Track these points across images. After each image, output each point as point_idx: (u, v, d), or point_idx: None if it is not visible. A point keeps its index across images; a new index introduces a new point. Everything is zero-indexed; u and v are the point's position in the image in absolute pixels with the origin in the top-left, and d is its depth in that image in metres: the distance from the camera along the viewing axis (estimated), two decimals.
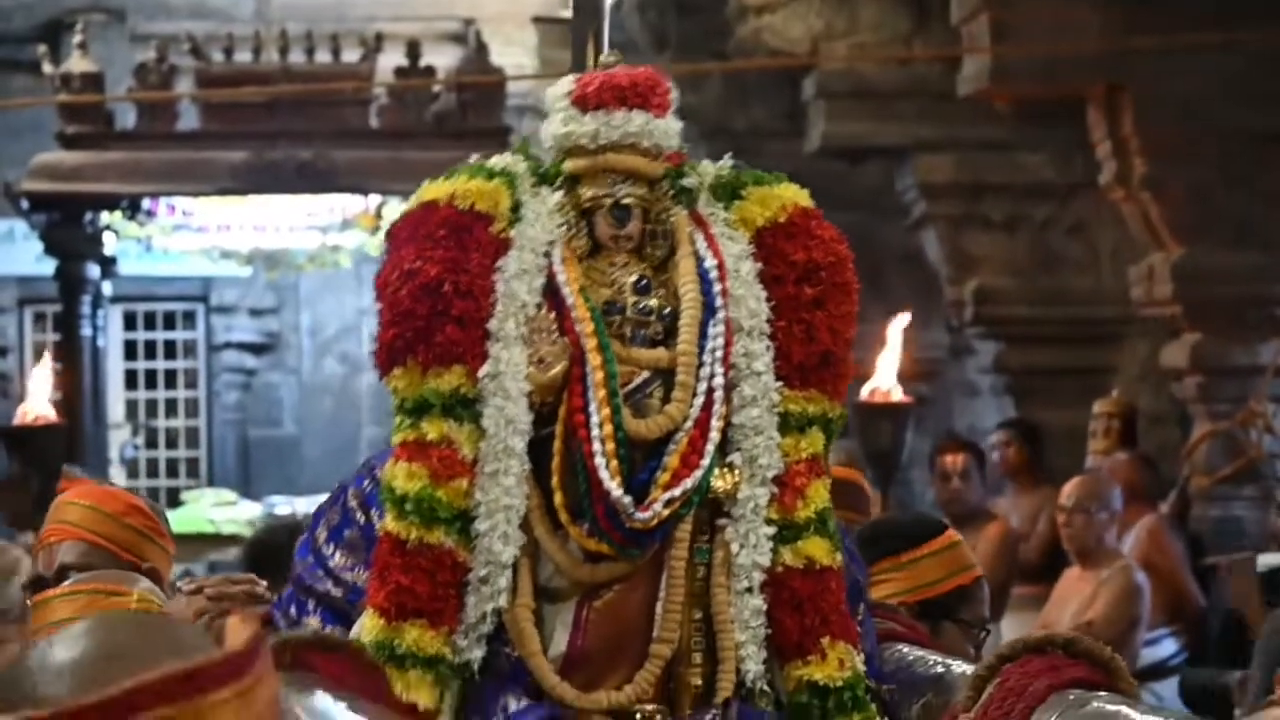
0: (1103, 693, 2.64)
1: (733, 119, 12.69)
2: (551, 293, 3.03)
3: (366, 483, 3.12)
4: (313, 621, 3.10)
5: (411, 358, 2.98)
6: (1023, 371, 11.04)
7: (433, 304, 2.97)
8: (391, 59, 11.96)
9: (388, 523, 2.98)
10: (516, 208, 3.06)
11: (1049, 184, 10.82)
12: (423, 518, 2.94)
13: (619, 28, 13.18)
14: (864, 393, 6.64)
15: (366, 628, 2.96)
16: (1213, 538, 8.63)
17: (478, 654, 2.97)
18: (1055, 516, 7.79)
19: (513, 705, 2.96)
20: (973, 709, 2.75)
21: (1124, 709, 2.56)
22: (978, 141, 10.72)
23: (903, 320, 6.54)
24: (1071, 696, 2.63)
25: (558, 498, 2.98)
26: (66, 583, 3.77)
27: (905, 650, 3.28)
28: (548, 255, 3.05)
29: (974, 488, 8.50)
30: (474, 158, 3.20)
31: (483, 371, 2.98)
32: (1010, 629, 7.96)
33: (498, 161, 3.12)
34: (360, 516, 3.10)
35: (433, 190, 3.06)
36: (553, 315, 3.01)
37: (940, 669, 3.15)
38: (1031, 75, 9.09)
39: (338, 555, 3.11)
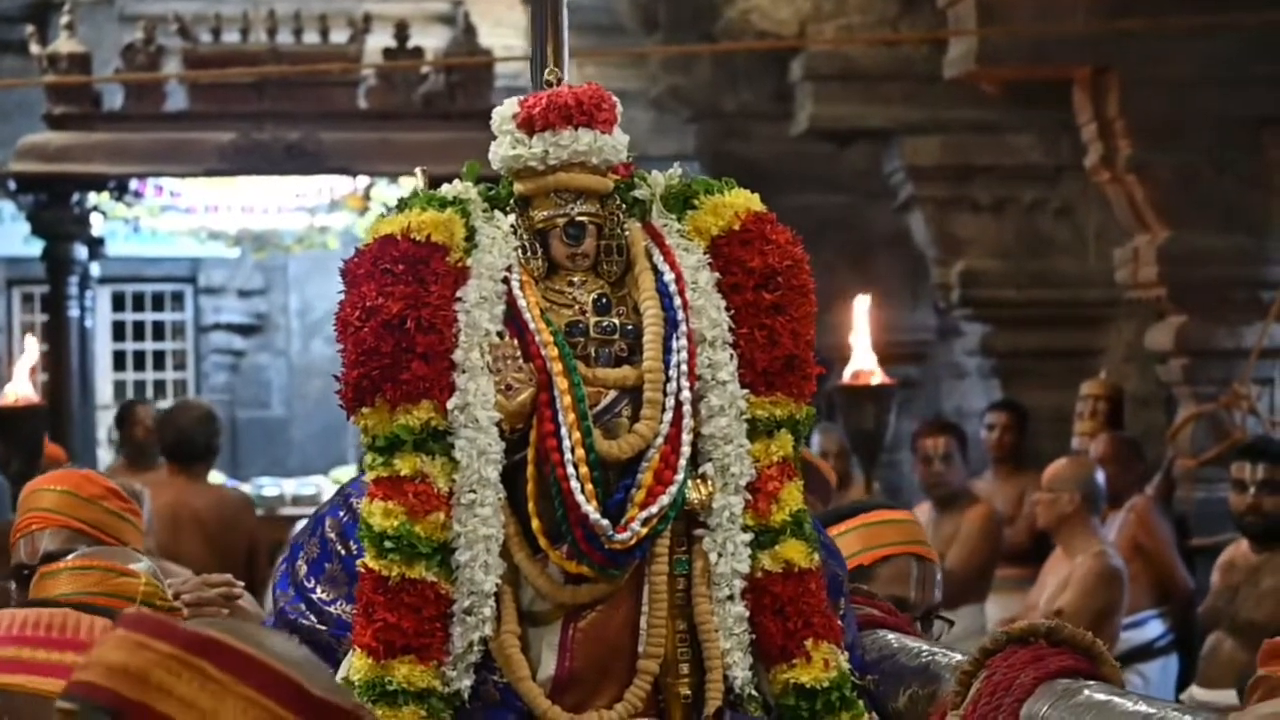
0: (1092, 682, 2.66)
1: (721, 101, 12.70)
2: (513, 318, 3.03)
3: (343, 513, 3.12)
4: None
5: (379, 396, 2.98)
6: (1009, 353, 11.05)
7: (396, 341, 2.96)
8: (380, 40, 11.94)
9: (368, 561, 2.98)
10: (471, 235, 3.06)
11: (1036, 166, 10.83)
12: (403, 554, 2.95)
13: (607, 10, 13.15)
14: (846, 375, 6.65)
15: (355, 667, 2.96)
16: (1197, 520, 8.64)
17: (467, 683, 2.97)
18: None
19: None
20: (961, 705, 2.76)
21: (1115, 698, 2.57)
22: (964, 123, 10.74)
23: (864, 302, 6.54)
24: (1060, 687, 2.65)
25: (535, 523, 2.99)
26: (73, 555, 3.77)
27: (891, 639, 3.28)
28: (506, 280, 3.05)
29: (956, 470, 8.52)
30: (417, 170, 3.19)
31: (451, 404, 2.98)
32: (996, 611, 7.99)
33: (449, 190, 3.11)
34: (340, 548, 3.10)
35: (387, 224, 3.04)
36: (516, 341, 3.02)
37: (926, 658, 3.14)
38: (1018, 57, 9.10)
39: (319, 589, 3.11)
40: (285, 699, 1.73)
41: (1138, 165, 8.91)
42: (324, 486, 13.08)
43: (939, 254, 11.05)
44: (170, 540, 7.73)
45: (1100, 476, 7.68)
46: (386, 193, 11.71)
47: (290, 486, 13.49)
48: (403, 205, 3.07)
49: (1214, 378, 9.00)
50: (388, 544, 2.95)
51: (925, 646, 3.20)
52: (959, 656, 3.00)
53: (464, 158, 3.22)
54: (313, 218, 12.76)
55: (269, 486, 13.54)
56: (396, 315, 2.96)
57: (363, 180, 11.96)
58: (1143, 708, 2.49)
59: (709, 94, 12.77)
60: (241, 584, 3.82)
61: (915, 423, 10.46)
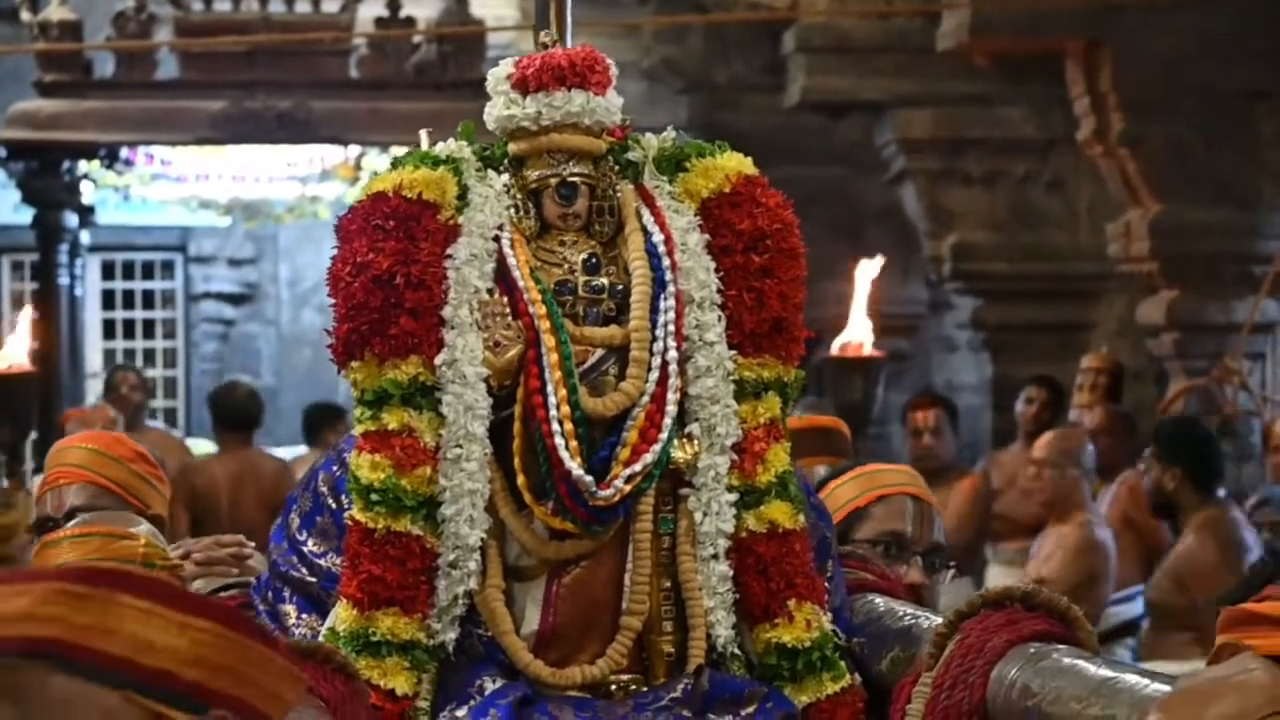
0: (1062, 646, 2.69)
1: (714, 72, 12.70)
2: (503, 276, 3.06)
3: (336, 468, 3.14)
4: (289, 609, 3.13)
5: (368, 350, 3.01)
6: (1000, 327, 11.06)
7: (386, 296, 2.99)
8: (371, 9, 11.93)
9: (355, 513, 3.01)
10: (463, 193, 3.09)
11: (1028, 139, 10.83)
12: (389, 507, 2.97)
13: None
14: (835, 347, 6.66)
15: (341, 618, 2.99)
16: None
17: (452, 635, 3.00)
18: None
19: (489, 686, 2.99)
20: (935, 666, 2.78)
21: (1080, 661, 2.60)
22: (957, 96, 10.73)
23: (874, 266, 6.50)
24: (1031, 650, 2.68)
25: (520, 479, 3.01)
26: (72, 523, 3.79)
27: (878, 602, 3.30)
28: (497, 239, 3.08)
29: (945, 443, 8.52)
30: (421, 133, 3.21)
31: (439, 359, 3.00)
32: (1007, 582, 7.98)
33: (443, 149, 3.14)
34: (331, 502, 3.12)
35: (380, 182, 3.08)
36: (505, 299, 3.04)
37: (909, 621, 3.16)
38: (1011, 30, 9.09)
39: (310, 542, 3.13)
40: (192, 607, 1.70)
41: (1130, 139, 8.91)
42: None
43: (931, 227, 11.06)
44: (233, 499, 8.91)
45: (1090, 448, 7.69)
46: (378, 162, 11.70)
47: (279, 455, 13.49)
48: (396, 164, 3.10)
49: (1205, 352, 9.01)
50: (374, 496, 2.98)
51: (910, 610, 3.22)
52: (940, 620, 3.02)
53: (455, 127, 3.24)
54: (304, 187, 12.77)
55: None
56: (386, 271, 2.99)
57: (354, 149, 11.97)
58: (1105, 671, 2.53)
59: (701, 65, 12.77)
60: (253, 544, 3.83)
61: (906, 396, 10.47)
